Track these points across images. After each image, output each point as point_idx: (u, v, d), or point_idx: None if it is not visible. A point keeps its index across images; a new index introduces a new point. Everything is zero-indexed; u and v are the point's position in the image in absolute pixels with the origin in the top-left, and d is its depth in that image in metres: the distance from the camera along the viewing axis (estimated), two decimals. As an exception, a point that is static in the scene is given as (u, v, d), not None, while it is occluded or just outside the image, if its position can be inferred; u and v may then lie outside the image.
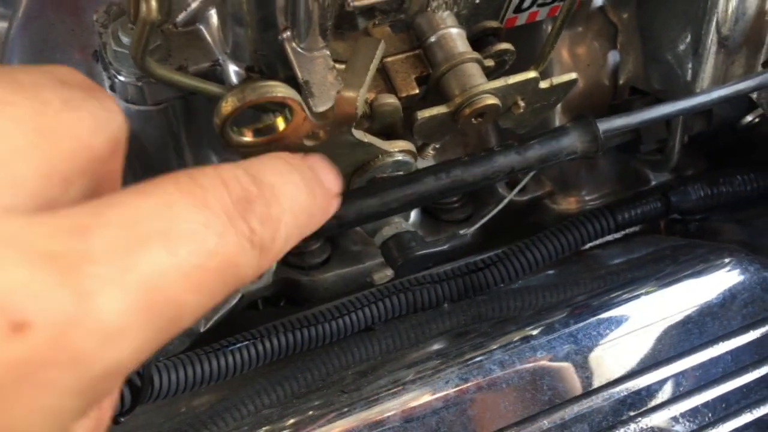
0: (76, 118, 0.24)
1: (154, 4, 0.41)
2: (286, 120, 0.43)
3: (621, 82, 0.73)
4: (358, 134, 0.48)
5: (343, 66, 0.50)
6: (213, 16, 0.53)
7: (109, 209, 0.23)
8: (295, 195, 0.29)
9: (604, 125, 0.54)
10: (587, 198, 0.80)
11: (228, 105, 0.40)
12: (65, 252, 0.21)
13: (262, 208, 0.26)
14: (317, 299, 0.71)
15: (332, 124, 0.45)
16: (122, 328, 0.21)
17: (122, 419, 0.54)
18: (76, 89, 0.25)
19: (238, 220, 0.25)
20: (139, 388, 0.53)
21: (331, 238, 0.73)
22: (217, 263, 0.24)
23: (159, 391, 0.54)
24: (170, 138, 0.61)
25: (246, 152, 0.44)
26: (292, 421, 0.54)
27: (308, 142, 0.46)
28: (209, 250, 0.24)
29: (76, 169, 0.24)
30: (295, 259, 0.71)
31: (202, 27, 0.54)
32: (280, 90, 0.41)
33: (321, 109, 0.46)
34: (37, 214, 0.22)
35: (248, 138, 0.43)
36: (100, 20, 0.54)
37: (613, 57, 0.73)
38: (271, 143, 0.44)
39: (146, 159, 0.61)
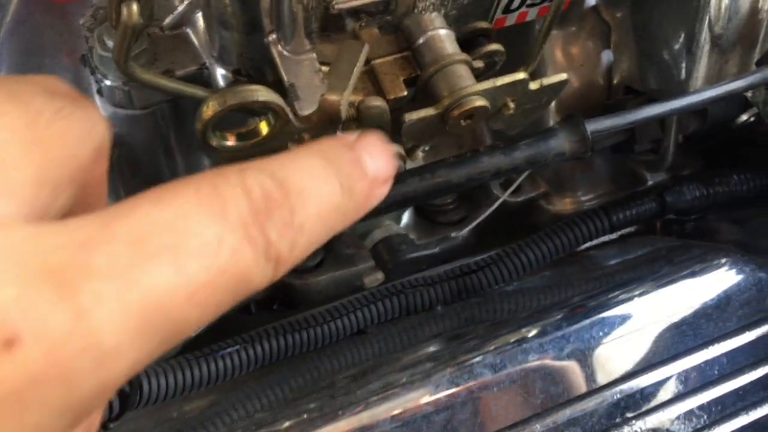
0: (66, 128, 0.24)
1: (135, 8, 0.40)
2: (269, 124, 0.42)
3: (615, 81, 0.73)
4: (345, 137, 0.47)
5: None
6: (200, 19, 0.53)
7: (118, 221, 0.22)
8: (326, 196, 0.27)
9: (593, 126, 0.54)
10: (583, 199, 0.80)
11: (209, 109, 0.40)
12: (65, 266, 0.20)
13: (285, 216, 0.25)
14: (310, 302, 0.71)
15: (317, 128, 0.45)
16: (118, 347, 0.21)
17: (111, 425, 0.54)
18: (65, 99, 0.25)
19: (256, 232, 0.24)
20: (127, 394, 0.52)
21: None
22: (226, 279, 0.23)
23: (148, 396, 0.53)
24: (159, 141, 0.61)
25: (229, 156, 0.44)
26: (284, 425, 0.54)
27: (294, 146, 0.46)
28: (220, 267, 0.23)
29: (66, 177, 0.24)
30: (287, 262, 0.71)
31: (189, 30, 0.54)
32: (261, 94, 0.40)
33: (307, 111, 0.46)
34: (38, 224, 0.21)
35: (231, 142, 0.42)
36: (86, 24, 0.54)
37: (606, 56, 0.72)
38: (254, 147, 0.44)
39: (135, 163, 0.61)
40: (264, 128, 0.43)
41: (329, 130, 0.46)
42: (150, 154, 0.61)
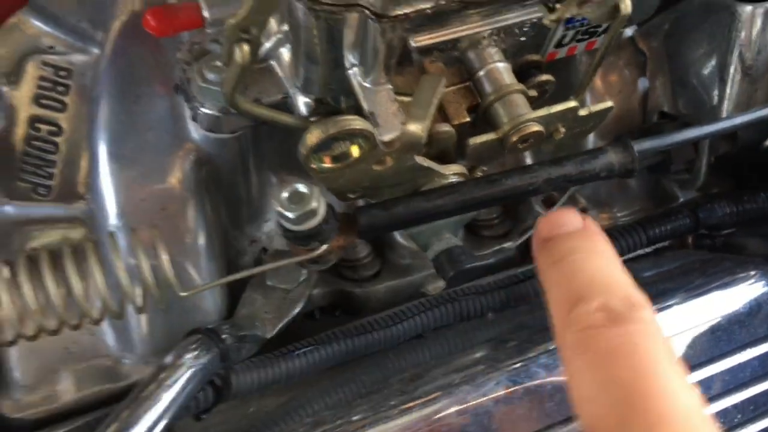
0: None
1: (247, 49, 0.47)
2: (360, 148, 0.49)
3: (650, 106, 0.78)
4: (420, 160, 0.53)
5: (402, 98, 0.56)
6: (284, 53, 0.59)
7: None
8: None
9: (638, 146, 0.59)
10: (618, 215, 0.85)
11: (313, 136, 0.46)
12: None
13: None
14: (369, 309, 0.77)
15: (398, 152, 0.51)
16: None
17: (204, 416, 0.60)
18: None
19: None
20: (220, 388, 0.58)
21: (381, 253, 0.78)
22: None
23: (237, 390, 0.59)
24: (240, 162, 0.67)
25: (324, 177, 0.50)
26: (356, 417, 0.60)
27: (377, 167, 0.52)
28: None
29: None
30: (348, 272, 0.77)
31: (273, 63, 0.60)
32: (358, 123, 0.47)
33: (386, 137, 0.52)
34: None
35: (328, 164, 0.49)
36: (183, 58, 0.61)
37: (642, 84, 0.78)
38: (345, 168, 0.50)
39: (219, 180, 0.67)
40: (355, 152, 0.49)
41: (408, 154, 0.52)
42: (232, 172, 0.68)
